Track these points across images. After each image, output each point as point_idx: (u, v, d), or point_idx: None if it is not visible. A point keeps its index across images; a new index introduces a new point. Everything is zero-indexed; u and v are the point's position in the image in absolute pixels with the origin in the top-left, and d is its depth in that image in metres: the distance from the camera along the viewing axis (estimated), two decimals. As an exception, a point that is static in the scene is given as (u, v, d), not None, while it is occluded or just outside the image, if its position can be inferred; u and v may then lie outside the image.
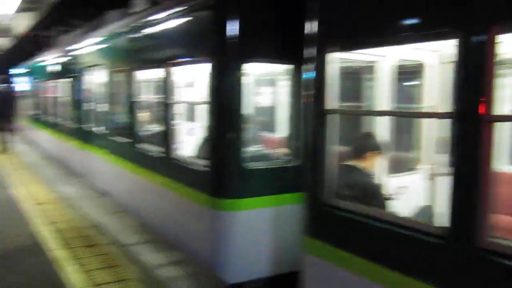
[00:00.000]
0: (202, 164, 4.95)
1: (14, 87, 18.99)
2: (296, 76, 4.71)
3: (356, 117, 4.57)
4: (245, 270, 4.67)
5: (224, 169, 4.66)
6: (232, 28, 4.42)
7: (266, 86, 6.55)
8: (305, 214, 3.72)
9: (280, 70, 5.56)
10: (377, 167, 3.99)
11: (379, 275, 3.04)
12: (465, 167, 2.57)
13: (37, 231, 6.46)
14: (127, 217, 7.02)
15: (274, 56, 4.68)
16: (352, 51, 3.58)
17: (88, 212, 7.37)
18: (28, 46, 22.62)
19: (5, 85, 14.89)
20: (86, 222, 6.90)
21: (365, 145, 3.82)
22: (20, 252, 5.70)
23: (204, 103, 4.86)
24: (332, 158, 3.47)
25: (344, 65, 3.68)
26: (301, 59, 4.30)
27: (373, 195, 3.65)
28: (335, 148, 3.48)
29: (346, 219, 3.31)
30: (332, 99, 3.43)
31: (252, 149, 5.08)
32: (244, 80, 4.48)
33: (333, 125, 3.43)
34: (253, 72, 4.71)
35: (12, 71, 20.26)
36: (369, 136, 3.99)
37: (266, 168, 4.78)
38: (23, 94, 17.64)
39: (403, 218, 3.07)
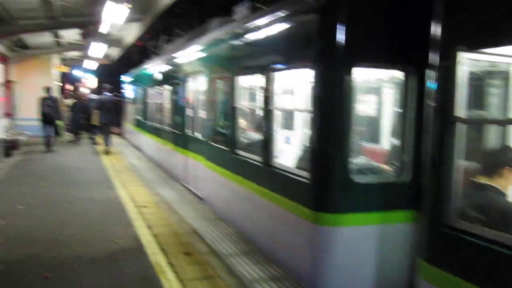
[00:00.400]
0: (303, 174, 4.74)
1: (121, 94, 20.62)
2: (408, 82, 4.39)
3: (481, 127, 4.04)
4: None
5: (328, 182, 4.45)
6: (340, 31, 4.19)
7: (370, 93, 6.17)
8: (422, 235, 3.40)
9: (387, 76, 5.31)
10: (512, 187, 3.45)
11: None
12: None
13: (139, 233, 6.61)
14: (224, 224, 6.95)
15: (385, 60, 4.41)
16: (490, 49, 3.06)
17: (187, 218, 7.42)
18: (136, 55, 24.35)
19: (110, 93, 16.28)
20: (184, 228, 6.93)
21: (502, 160, 3.30)
22: (124, 254, 5.83)
23: (307, 110, 4.66)
24: (460, 174, 3.08)
25: (473, 69, 3.23)
26: (414, 63, 4.14)
27: (512, 220, 3.10)
28: (463, 162, 3.09)
29: (476, 246, 2.87)
30: (462, 106, 3.03)
31: (358, 161, 4.80)
32: (351, 87, 4.29)
33: (462, 135, 3.04)
34: (359, 78, 4.48)
35: (122, 78, 22.29)
36: (508, 150, 3.44)
37: (373, 182, 4.52)
38: (130, 100, 19.25)
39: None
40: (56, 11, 11.86)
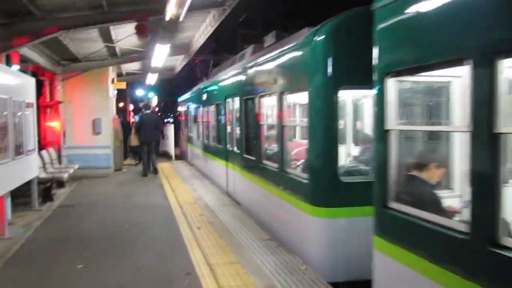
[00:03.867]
0: (305, 176, 5.95)
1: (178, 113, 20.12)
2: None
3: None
4: (342, 272, 5.41)
5: (321, 181, 5.63)
6: (330, 63, 5.43)
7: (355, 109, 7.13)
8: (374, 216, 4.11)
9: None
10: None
11: (428, 269, 3.28)
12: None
13: None
14: None
15: (361, 83, 4.95)
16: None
17: None
18: (192, 75, 23.92)
19: (150, 111, 16.34)
20: None
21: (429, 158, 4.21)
22: None
23: (306, 124, 5.99)
24: (395, 170, 3.88)
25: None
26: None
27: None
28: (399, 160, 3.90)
29: (403, 220, 3.64)
30: (392, 118, 3.83)
31: (347, 164, 6.35)
32: (338, 104, 5.55)
33: (395, 140, 3.84)
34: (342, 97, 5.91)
35: (179, 98, 23.36)
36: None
37: (357, 181, 5.48)
38: (185, 120, 20.42)
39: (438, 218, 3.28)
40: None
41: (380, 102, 3.90)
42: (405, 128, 4.33)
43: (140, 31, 8.71)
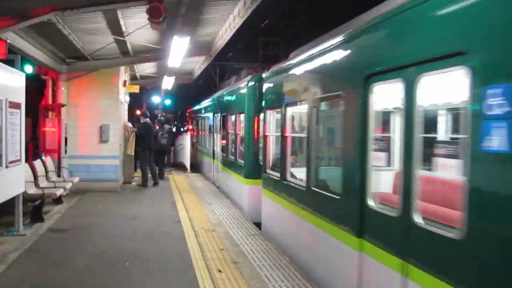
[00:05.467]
0: (243, 162, 10.88)
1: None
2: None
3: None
4: (259, 216, 9.00)
5: (249, 164, 10.55)
6: (259, 95, 10.05)
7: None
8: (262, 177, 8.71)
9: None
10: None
11: (278, 198, 7.47)
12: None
13: None
14: None
15: (273, 108, 8.29)
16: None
17: None
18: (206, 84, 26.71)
19: (147, 119, 15.52)
20: None
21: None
22: None
23: (242, 133, 11.08)
24: (268, 156, 8.55)
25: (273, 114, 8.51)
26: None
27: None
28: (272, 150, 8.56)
29: (270, 177, 8.07)
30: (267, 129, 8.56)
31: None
32: (262, 119, 9.43)
33: (270, 140, 8.51)
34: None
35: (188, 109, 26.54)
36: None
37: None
38: (192, 128, 24.12)
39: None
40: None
41: (263, 121, 8.65)
42: (269, 134, 8.44)
43: (153, 14, 6.86)
